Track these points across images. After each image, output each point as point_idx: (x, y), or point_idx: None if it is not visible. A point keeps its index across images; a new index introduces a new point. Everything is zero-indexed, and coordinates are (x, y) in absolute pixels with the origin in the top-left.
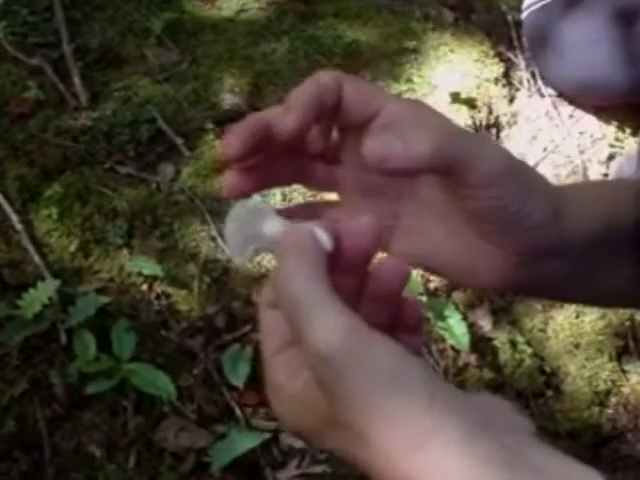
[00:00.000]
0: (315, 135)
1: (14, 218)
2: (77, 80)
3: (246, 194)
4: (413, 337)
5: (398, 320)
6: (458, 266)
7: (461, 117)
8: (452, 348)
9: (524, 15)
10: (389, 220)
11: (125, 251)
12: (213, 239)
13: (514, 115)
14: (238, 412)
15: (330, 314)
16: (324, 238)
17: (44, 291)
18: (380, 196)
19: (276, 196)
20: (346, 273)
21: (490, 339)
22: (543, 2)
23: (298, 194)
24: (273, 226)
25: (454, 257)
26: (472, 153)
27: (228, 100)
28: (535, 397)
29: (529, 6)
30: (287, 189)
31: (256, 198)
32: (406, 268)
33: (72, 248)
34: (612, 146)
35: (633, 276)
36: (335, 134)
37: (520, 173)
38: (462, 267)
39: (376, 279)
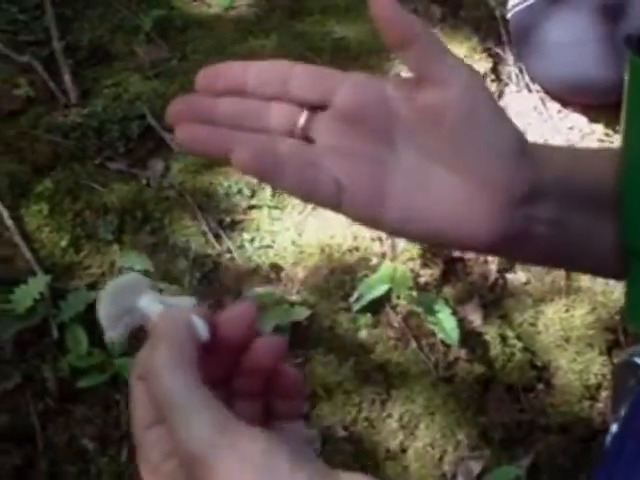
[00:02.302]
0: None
1: (5, 214)
2: (67, 77)
3: (203, 150)
4: (292, 402)
5: (275, 388)
6: (455, 219)
7: None
8: (442, 342)
9: (509, 15)
10: (374, 184)
11: (116, 246)
12: (203, 234)
13: None
14: None
15: (198, 412)
16: (200, 327)
17: (35, 286)
18: (358, 159)
19: (266, 191)
20: (223, 355)
21: (480, 333)
22: (528, 2)
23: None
24: (148, 301)
25: (450, 208)
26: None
27: None
28: (526, 391)
29: (514, 6)
30: None
31: (133, 273)
32: (282, 343)
33: (63, 244)
34: (601, 141)
35: (615, 243)
36: (302, 119)
37: (492, 98)
38: (459, 219)
39: (252, 355)
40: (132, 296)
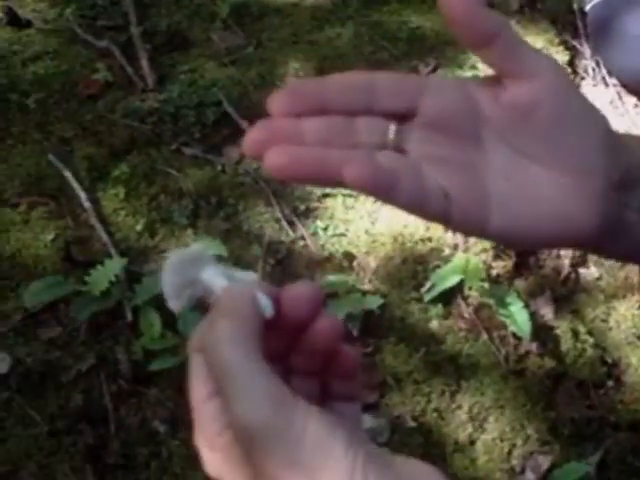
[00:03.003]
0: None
1: (82, 196)
2: (145, 62)
3: (303, 173)
4: (349, 384)
5: (333, 367)
6: (558, 214)
7: None
8: (513, 335)
9: (587, 8)
10: (475, 191)
11: (190, 231)
12: (277, 221)
13: None
14: None
15: (256, 386)
16: (265, 303)
17: (111, 269)
18: (454, 166)
19: None
20: (283, 332)
21: (552, 328)
22: None
23: None
24: (212, 274)
25: (551, 203)
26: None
27: None
28: (596, 387)
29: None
30: None
31: (197, 245)
32: (341, 324)
33: (138, 227)
34: None
35: None
36: (392, 131)
37: (577, 87)
38: (561, 213)
39: (313, 335)
40: (196, 268)
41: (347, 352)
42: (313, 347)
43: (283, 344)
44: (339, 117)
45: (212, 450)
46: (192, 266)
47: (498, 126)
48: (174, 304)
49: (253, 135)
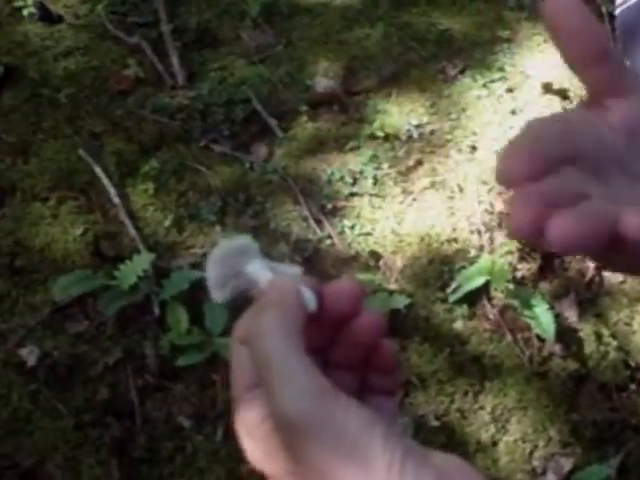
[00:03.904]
0: None
1: (112, 191)
2: (175, 59)
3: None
4: (387, 378)
5: (372, 361)
6: None
7: (553, 108)
8: (537, 337)
9: (617, 12)
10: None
11: (218, 228)
12: (305, 219)
13: None
14: None
15: (298, 378)
16: (309, 297)
17: (139, 264)
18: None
19: (367, 179)
20: (324, 325)
21: (575, 330)
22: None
23: (389, 179)
24: (256, 267)
25: None
26: None
27: (322, 83)
28: (618, 390)
29: (622, 3)
30: (379, 172)
31: (243, 237)
32: (383, 319)
33: (167, 223)
34: None
35: None
36: None
37: None
38: None
39: (355, 330)
40: (241, 260)
41: (387, 346)
42: (356, 340)
43: (324, 338)
44: (572, 171)
45: (253, 439)
46: (237, 258)
47: (616, 152)
48: (218, 295)
49: (524, 215)
